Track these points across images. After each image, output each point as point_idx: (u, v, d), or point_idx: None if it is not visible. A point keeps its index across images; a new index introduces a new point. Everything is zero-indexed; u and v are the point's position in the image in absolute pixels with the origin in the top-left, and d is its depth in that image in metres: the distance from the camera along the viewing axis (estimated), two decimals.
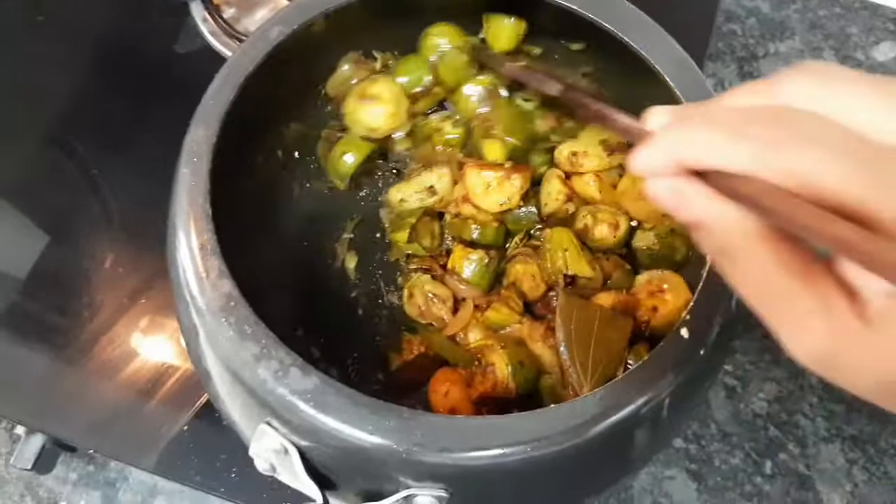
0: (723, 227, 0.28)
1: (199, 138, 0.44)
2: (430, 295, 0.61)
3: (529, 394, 0.55)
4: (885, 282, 0.24)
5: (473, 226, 0.61)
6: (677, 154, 0.29)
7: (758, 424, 0.69)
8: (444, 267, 0.63)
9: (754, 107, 0.29)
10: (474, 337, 0.59)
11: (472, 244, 0.62)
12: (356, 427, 0.39)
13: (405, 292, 0.63)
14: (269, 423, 0.40)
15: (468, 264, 0.61)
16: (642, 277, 0.57)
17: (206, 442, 0.61)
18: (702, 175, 0.28)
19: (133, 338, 0.66)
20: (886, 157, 0.25)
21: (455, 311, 0.61)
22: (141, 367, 0.64)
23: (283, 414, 0.39)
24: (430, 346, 0.61)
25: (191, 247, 0.41)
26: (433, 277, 0.62)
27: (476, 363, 0.56)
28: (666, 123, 0.32)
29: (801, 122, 0.27)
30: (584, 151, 0.59)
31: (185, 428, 0.62)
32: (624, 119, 0.37)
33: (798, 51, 0.85)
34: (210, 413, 0.62)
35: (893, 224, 0.24)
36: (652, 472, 0.67)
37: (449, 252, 0.63)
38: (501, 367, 0.54)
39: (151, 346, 0.65)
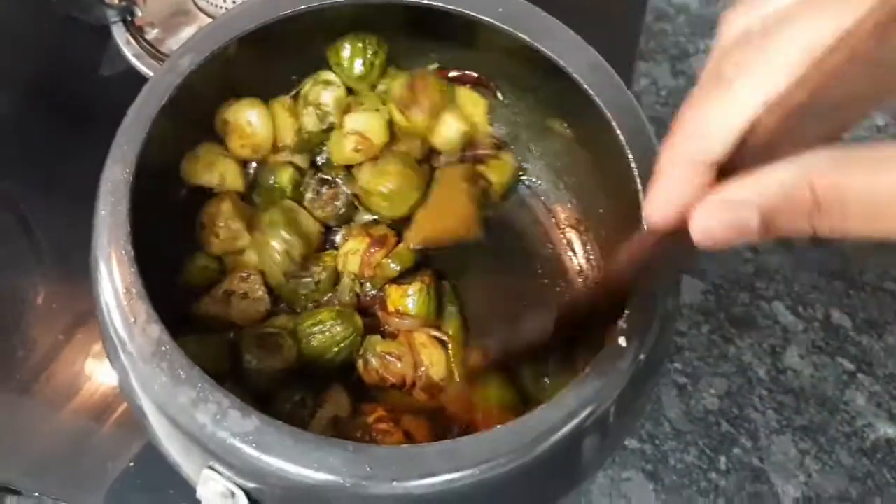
0: (795, 187, 0.25)
1: (116, 178, 0.42)
2: (385, 356, 0.55)
3: None
4: None
5: (391, 263, 0.59)
6: (690, 158, 0.27)
7: (710, 420, 0.70)
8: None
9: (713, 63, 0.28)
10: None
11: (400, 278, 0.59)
12: (301, 465, 0.38)
13: (359, 362, 0.56)
14: (212, 468, 0.39)
15: (409, 300, 0.57)
16: None
17: (154, 477, 0.59)
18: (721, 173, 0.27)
19: (71, 374, 0.63)
20: None
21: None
22: (81, 404, 0.62)
23: (225, 458, 0.38)
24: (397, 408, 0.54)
25: (116, 291, 0.40)
26: (382, 336, 0.57)
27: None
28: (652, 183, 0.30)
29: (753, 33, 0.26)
30: None
31: (132, 464, 0.60)
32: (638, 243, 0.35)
33: None
34: (156, 447, 0.60)
35: None
36: (609, 474, 0.68)
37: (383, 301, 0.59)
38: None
39: (90, 382, 0.63)
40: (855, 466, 0.68)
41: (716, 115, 0.27)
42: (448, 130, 0.62)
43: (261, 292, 0.56)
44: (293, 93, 0.63)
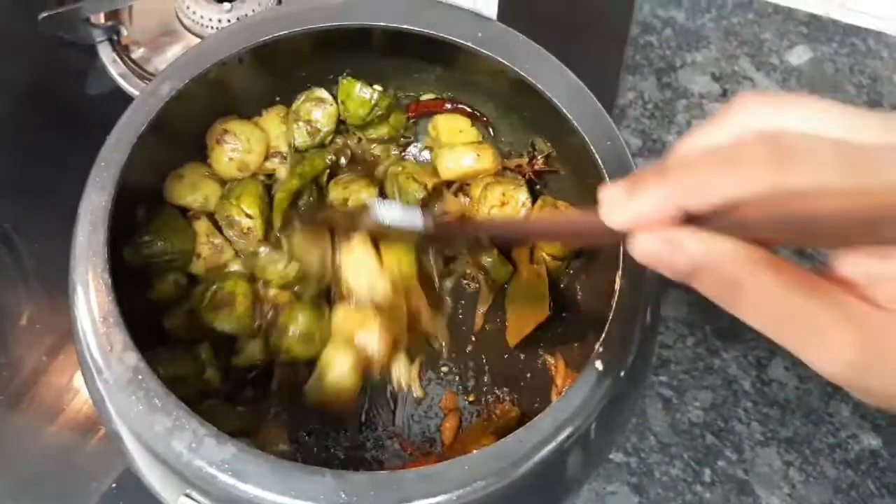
0: (725, 263, 0.27)
1: (95, 205, 0.42)
2: None
3: None
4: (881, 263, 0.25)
5: None
6: (674, 201, 0.28)
7: (695, 433, 0.70)
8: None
9: (738, 140, 0.29)
10: None
11: None
12: (278, 493, 0.38)
13: None
14: (188, 496, 0.39)
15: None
16: None
17: (137, 497, 0.60)
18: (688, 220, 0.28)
19: (55, 395, 0.63)
20: (874, 153, 0.26)
21: None
22: (65, 425, 0.62)
23: (201, 485, 0.38)
24: None
25: (93, 318, 0.40)
26: None
27: None
28: (630, 188, 0.31)
29: (790, 138, 0.27)
30: None
31: (114, 485, 0.60)
32: (580, 218, 0.36)
33: (714, 59, 0.86)
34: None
35: None
36: (594, 488, 0.68)
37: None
38: None
39: (74, 402, 0.63)
40: (839, 478, 0.68)
41: (723, 182, 0.28)
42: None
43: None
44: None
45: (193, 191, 0.58)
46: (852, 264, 0.27)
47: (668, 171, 0.29)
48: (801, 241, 0.27)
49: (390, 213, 0.47)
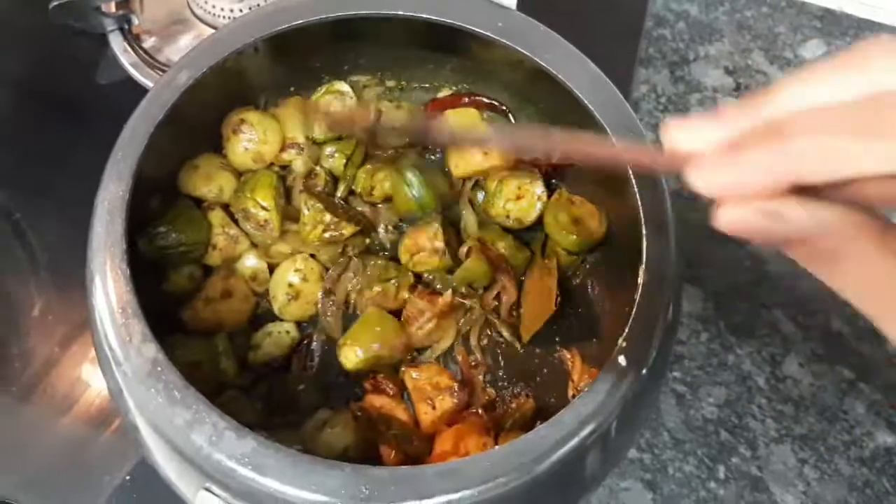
0: (829, 234, 0.25)
1: (112, 195, 0.42)
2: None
3: None
4: None
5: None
6: (791, 174, 0.25)
7: (709, 430, 0.69)
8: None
9: (875, 99, 0.24)
10: None
11: None
12: (299, 487, 0.38)
13: None
14: (208, 489, 0.39)
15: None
16: None
17: (151, 490, 0.59)
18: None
19: (67, 386, 0.63)
20: None
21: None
22: (78, 416, 0.62)
23: (221, 479, 0.38)
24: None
25: (111, 309, 0.40)
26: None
27: None
28: (730, 151, 0.26)
29: None
30: None
31: (128, 478, 0.60)
32: (641, 151, 0.34)
33: (728, 53, 0.86)
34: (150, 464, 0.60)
35: None
36: (608, 484, 0.67)
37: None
38: None
39: (87, 394, 0.63)
40: (854, 475, 0.68)
41: (861, 157, 0.24)
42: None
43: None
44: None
45: (208, 182, 0.58)
46: None
47: (785, 132, 0.25)
48: None
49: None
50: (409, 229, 0.61)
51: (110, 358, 0.40)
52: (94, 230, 0.42)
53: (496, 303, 0.61)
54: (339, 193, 0.63)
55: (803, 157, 0.24)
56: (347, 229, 0.60)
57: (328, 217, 0.60)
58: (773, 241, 0.26)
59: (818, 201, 0.25)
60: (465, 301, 0.59)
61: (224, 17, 0.74)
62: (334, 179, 0.63)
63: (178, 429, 0.38)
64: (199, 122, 0.54)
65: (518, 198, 0.61)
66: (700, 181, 0.26)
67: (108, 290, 0.40)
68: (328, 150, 0.63)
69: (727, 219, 0.26)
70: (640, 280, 0.45)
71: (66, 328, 0.65)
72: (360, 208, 0.63)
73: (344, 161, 0.62)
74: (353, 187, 0.63)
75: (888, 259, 0.25)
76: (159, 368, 0.38)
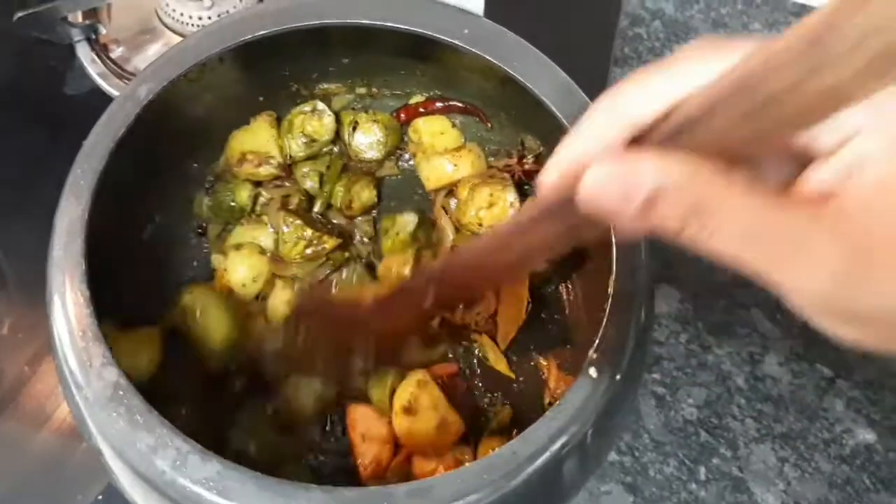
0: (688, 182, 0.24)
1: (71, 214, 0.41)
2: None
3: None
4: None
5: None
6: (617, 114, 0.27)
7: (689, 431, 0.69)
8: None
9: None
10: None
11: None
12: None
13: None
14: None
15: None
16: None
17: None
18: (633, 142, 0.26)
19: (37, 406, 0.62)
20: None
21: None
22: (48, 436, 0.61)
23: None
24: None
25: (71, 332, 0.39)
26: None
27: None
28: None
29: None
30: None
31: (100, 497, 0.59)
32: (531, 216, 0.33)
33: None
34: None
35: None
36: (588, 487, 0.67)
37: None
38: None
39: (58, 413, 0.62)
40: (834, 473, 0.68)
41: (653, 84, 0.27)
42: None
43: None
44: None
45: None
46: (821, 170, 0.25)
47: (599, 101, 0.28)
48: (759, 140, 0.24)
49: None
50: (385, 258, 0.62)
51: (71, 382, 0.39)
52: (52, 250, 0.41)
53: (477, 316, 0.61)
54: (316, 209, 0.63)
55: (616, 101, 0.27)
56: (329, 243, 0.60)
57: (309, 232, 0.59)
58: (635, 208, 0.25)
59: (667, 149, 0.25)
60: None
61: (193, 25, 0.73)
62: (309, 197, 0.63)
63: (142, 453, 0.37)
64: (163, 137, 0.53)
65: (490, 205, 0.60)
66: (548, 170, 0.29)
67: (68, 312, 0.40)
68: (304, 169, 0.63)
69: (587, 186, 0.26)
70: (609, 290, 0.44)
71: (36, 346, 0.64)
72: (335, 221, 0.63)
73: (318, 178, 0.62)
74: (332, 202, 0.63)
75: (759, 207, 0.24)
76: (121, 392, 0.38)
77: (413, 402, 0.54)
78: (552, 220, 0.31)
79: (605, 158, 0.26)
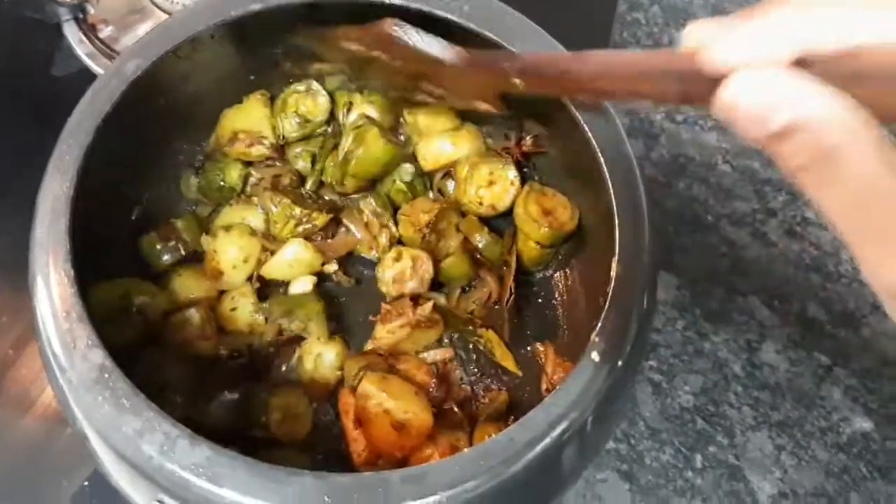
0: (831, 123, 0.24)
1: (55, 192, 0.40)
2: None
3: None
4: None
5: None
6: (800, 35, 0.25)
7: (685, 418, 0.69)
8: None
9: None
10: None
11: None
12: (256, 497, 0.36)
13: None
14: (161, 502, 0.37)
15: None
16: None
17: (109, 497, 0.57)
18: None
19: (22, 390, 0.61)
20: None
21: None
22: (33, 421, 0.60)
23: (175, 490, 0.36)
24: None
25: (55, 313, 0.37)
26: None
27: None
28: (741, 22, 0.27)
29: None
30: None
31: (86, 483, 0.58)
32: (647, 59, 0.32)
33: None
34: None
35: None
36: (584, 475, 0.66)
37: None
38: None
39: (43, 398, 0.61)
40: (831, 461, 0.67)
41: (864, 19, 0.25)
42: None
43: None
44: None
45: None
46: None
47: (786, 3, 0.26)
48: None
49: (416, 35, 0.45)
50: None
51: (55, 365, 0.38)
52: (35, 229, 0.40)
53: (474, 305, 0.60)
54: (308, 186, 0.61)
55: (817, 21, 0.25)
56: (320, 219, 0.59)
57: (298, 210, 0.58)
58: (769, 127, 0.25)
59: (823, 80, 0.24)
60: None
61: (182, 4, 0.72)
62: (300, 177, 0.61)
63: (128, 438, 0.36)
64: (151, 115, 0.51)
65: (490, 184, 0.59)
66: (710, 54, 0.26)
67: (52, 292, 0.38)
68: (297, 149, 0.62)
69: (733, 88, 0.25)
70: (612, 273, 0.43)
71: (21, 329, 0.63)
72: (328, 198, 0.62)
73: (311, 159, 0.61)
74: (323, 178, 0.62)
75: (884, 170, 0.23)
76: (106, 375, 0.36)
77: (360, 413, 0.52)
78: (659, 81, 0.30)
79: (750, 71, 0.25)
